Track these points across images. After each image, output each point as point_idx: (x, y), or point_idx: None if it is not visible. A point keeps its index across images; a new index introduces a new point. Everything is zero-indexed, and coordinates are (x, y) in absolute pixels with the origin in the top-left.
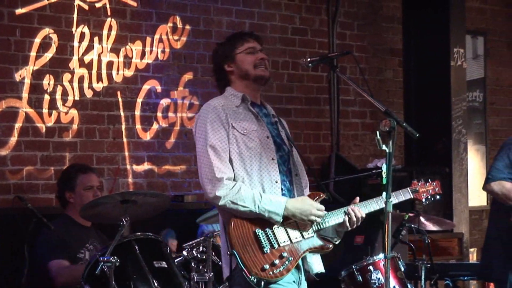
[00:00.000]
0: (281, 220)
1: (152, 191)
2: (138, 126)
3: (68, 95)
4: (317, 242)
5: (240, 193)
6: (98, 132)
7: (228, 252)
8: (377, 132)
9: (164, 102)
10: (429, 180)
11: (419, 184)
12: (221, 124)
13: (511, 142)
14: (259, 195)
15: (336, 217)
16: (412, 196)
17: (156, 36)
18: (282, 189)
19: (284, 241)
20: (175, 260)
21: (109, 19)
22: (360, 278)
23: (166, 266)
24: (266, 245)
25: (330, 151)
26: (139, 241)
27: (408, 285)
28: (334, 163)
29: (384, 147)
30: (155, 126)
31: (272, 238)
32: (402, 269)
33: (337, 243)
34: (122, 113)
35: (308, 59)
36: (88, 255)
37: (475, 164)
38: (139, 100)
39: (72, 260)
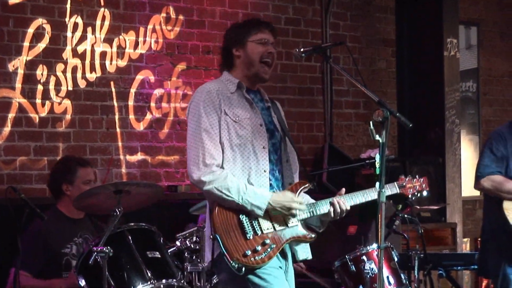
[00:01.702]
0: (263, 214)
1: (145, 182)
2: (132, 116)
3: (61, 85)
4: (301, 231)
5: (226, 181)
6: (92, 122)
7: (211, 236)
8: (370, 122)
9: (158, 92)
10: (417, 176)
11: (406, 179)
12: (214, 108)
13: (492, 136)
14: (244, 186)
15: (322, 207)
16: (398, 191)
17: (150, 26)
18: (270, 178)
19: (268, 229)
20: (169, 250)
21: (102, 9)
22: (354, 268)
23: (159, 256)
24: (249, 231)
25: (323, 141)
26: (132, 231)
27: (401, 275)
28: (327, 154)
29: (377, 137)
30: (148, 116)
31: (255, 225)
32: (396, 259)
33: (320, 231)
34: (115, 103)
35: (301, 49)
36: (75, 249)
37: (468, 154)
38: (133, 90)
39: (55, 257)
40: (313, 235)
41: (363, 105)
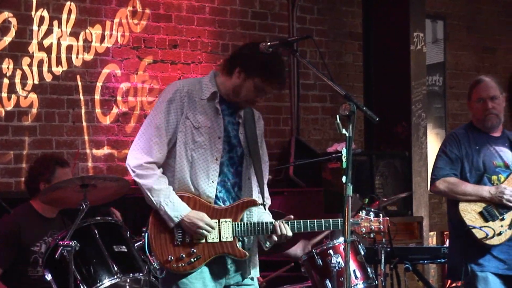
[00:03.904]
0: (173, 226)
1: (112, 176)
2: (98, 110)
3: (27, 79)
4: (233, 247)
5: (153, 181)
6: (58, 116)
7: (142, 233)
8: (337, 116)
9: (124, 86)
10: (380, 215)
11: (364, 217)
12: (176, 110)
13: (447, 139)
14: (167, 193)
15: (266, 228)
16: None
17: (116, 20)
18: (218, 189)
19: (199, 239)
20: (135, 245)
21: (68, 2)
22: (320, 262)
23: (126, 250)
24: (179, 238)
25: (290, 135)
26: (98, 226)
27: (368, 269)
28: (294, 147)
29: (344, 131)
30: (115, 110)
31: (187, 233)
32: (362, 253)
33: (267, 248)
34: (81, 97)
35: (268, 43)
36: (44, 248)
37: (434, 148)
38: (99, 84)
39: (24, 253)
40: (246, 254)
41: (329, 99)
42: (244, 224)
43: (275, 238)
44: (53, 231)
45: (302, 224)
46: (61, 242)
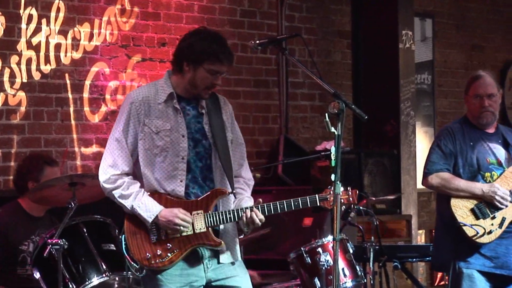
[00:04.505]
0: (149, 225)
1: None
2: (86, 109)
3: (15, 77)
4: (208, 237)
5: (122, 188)
6: (46, 114)
7: (120, 236)
8: (326, 114)
9: (113, 84)
10: (348, 188)
11: (331, 192)
12: (134, 120)
13: (441, 132)
14: (138, 195)
15: (238, 216)
16: (318, 204)
17: (105, 18)
18: (191, 186)
19: (173, 234)
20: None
21: (57, 1)
22: (309, 260)
23: (114, 248)
24: (154, 235)
25: (279, 134)
26: (87, 224)
27: (357, 267)
28: (283, 146)
29: (333, 129)
30: (103, 109)
31: (162, 229)
32: (351, 251)
33: (246, 232)
34: (70, 96)
35: (257, 42)
36: (32, 247)
37: (423, 146)
38: (87, 83)
39: (12, 252)
40: (222, 243)
41: (318, 97)
42: (215, 213)
43: (245, 225)
44: (41, 230)
45: (272, 207)
46: (49, 241)
